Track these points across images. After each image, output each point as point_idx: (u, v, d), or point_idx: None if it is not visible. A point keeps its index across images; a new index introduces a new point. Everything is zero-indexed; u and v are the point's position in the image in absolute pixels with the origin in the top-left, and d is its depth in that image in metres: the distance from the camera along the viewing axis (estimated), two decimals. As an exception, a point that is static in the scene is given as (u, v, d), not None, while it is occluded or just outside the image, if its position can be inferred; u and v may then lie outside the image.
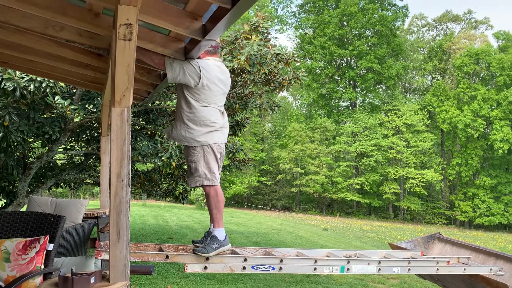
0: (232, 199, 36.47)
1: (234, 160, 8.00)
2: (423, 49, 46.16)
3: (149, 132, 7.99)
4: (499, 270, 4.54)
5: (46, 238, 2.96)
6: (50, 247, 2.99)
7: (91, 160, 8.44)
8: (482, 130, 35.66)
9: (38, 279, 2.80)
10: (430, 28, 47.04)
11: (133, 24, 2.13)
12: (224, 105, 3.68)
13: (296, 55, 7.02)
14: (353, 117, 39.47)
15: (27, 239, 2.93)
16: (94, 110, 6.51)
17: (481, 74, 38.34)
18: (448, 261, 4.37)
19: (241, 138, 32.83)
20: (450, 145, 39.85)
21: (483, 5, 69.21)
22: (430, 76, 45.70)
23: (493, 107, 36.44)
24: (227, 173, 8.27)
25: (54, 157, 8.34)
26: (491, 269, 4.54)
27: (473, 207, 35.24)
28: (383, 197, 36.94)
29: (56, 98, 5.69)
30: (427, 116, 39.63)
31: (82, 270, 2.91)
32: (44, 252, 2.93)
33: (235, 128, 8.00)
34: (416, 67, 44.64)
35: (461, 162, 37.06)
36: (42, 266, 2.90)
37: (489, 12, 72.58)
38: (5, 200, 7.54)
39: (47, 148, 7.06)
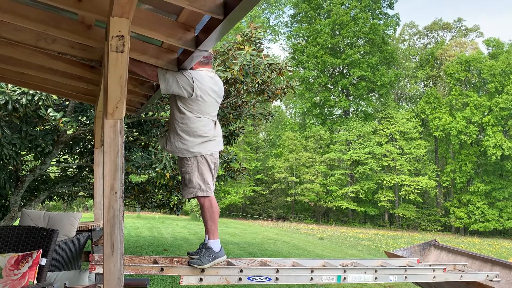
0: (227, 209, 36.33)
1: (229, 170, 7.98)
2: (414, 57, 46.59)
3: (142, 143, 7.96)
4: (496, 277, 4.54)
5: (38, 253, 2.92)
6: (43, 261, 2.95)
7: (85, 172, 8.38)
8: (475, 136, 35.91)
9: (31, 295, 2.76)
10: (421, 36, 47.54)
11: (125, 36, 2.12)
12: (218, 115, 3.67)
13: (289, 65, 7.05)
14: (346, 125, 39.62)
15: (19, 254, 2.89)
16: (87, 122, 6.49)
17: (473, 81, 38.72)
18: (445, 268, 4.37)
19: (235, 147, 32.79)
20: (444, 152, 40.07)
21: (473, 13, 70.12)
22: (422, 84, 46.08)
23: (485, 114, 36.75)
24: (222, 183, 8.24)
25: (47, 170, 8.27)
26: (487, 275, 4.53)
27: (468, 213, 35.34)
28: (378, 205, 36.96)
29: (48, 111, 5.66)
30: (420, 123, 39.87)
31: (76, 285, 2.87)
32: (37, 267, 2.89)
33: (229, 138, 7.99)
34: (408, 75, 45.01)
35: (455, 169, 37.24)
36: (35, 281, 2.86)
37: (479, 20, 73.50)
38: (-3, 214, 7.46)
39: (39, 161, 7.00)
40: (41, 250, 2.95)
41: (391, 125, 38.49)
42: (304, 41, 42.62)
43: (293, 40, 43.78)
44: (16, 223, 6.48)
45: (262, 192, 38.31)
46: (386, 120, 39.23)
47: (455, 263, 4.92)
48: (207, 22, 2.50)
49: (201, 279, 3.31)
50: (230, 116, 7.47)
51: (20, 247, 3.06)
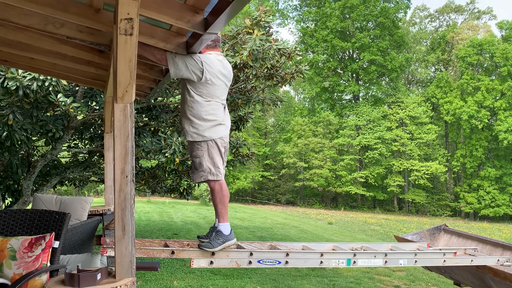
0: (236, 194, 36.52)
1: (238, 155, 7.99)
2: (425, 40, 45.90)
3: (152, 129, 7.99)
4: (507, 261, 4.52)
5: (51, 236, 2.96)
6: (56, 244, 2.99)
7: (95, 157, 8.44)
8: (487, 121, 35.51)
9: (45, 277, 2.80)
10: (433, 19, 46.79)
11: (134, 19, 2.11)
12: (227, 100, 3.65)
13: (298, 49, 6.98)
14: (356, 110, 39.36)
15: (32, 236, 2.93)
16: (97, 108, 6.51)
17: (485, 65, 38.08)
18: (455, 253, 4.35)
19: (244, 133, 32.83)
20: (454, 137, 39.72)
21: (486, -5, 68.50)
22: (433, 68, 45.47)
23: (497, 98, 36.26)
24: (231, 168, 8.26)
25: (58, 155, 8.34)
26: (498, 260, 4.51)
27: (478, 198, 35.16)
28: (388, 190, 36.89)
29: (58, 96, 5.68)
30: (431, 107, 39.47)
31: (88, 267, 2.91)
32: (50, 250, 2.93)
33: (238, 123, 7.98)
34: (419, 59, 44.42)
35: (466, 154, 36.94)
36: (48, 264, 2.90)
37: (492, 2, 71.90)
38: (10, 199, 7.56)
39: (51, 146, 7.06)
40: (53, 233, 2.99)
41: (401, 110, 38.17)
42: (313, 25, 42.14)
43: (302, 24, 43.32)
44: (29, 207, 6.57)
45: (271, 177, 38.43)
46: (396, 104, 38.89)
47: (466, 248, 4.90)
48: (216, 4, 2.47)
49: (211, 262, 3.33)
50: (239, 101, 7.44)
51: (34, 230, 3.10)
